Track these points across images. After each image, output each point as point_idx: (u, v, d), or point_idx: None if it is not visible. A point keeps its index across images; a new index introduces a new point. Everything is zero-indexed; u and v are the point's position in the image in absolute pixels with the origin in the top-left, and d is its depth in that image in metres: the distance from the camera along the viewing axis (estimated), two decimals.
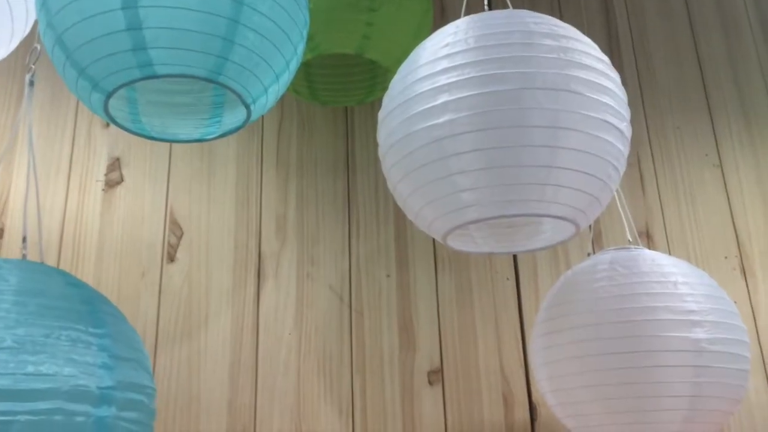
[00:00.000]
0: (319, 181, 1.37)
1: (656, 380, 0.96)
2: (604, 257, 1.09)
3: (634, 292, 1.01)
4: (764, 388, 1.38)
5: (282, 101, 1.41)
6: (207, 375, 1.19)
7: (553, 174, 0.79)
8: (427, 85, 0.82)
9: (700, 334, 0.97)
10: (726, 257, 1.48)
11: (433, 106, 0.80)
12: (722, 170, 1.56)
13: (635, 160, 1.53)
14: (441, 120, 0.80)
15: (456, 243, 0.99)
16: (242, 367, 1.20)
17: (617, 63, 1.59)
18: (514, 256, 1.40)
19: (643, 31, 1.65)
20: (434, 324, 1.31)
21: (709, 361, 0.97)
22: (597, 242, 1.44)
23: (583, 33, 0.88)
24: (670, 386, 0.96)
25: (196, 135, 0.99)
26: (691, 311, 0.99)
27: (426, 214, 0.88)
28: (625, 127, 0.85)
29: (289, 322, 1.26)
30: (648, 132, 1.56)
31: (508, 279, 1.38)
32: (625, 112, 0.86)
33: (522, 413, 1.28)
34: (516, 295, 1.37)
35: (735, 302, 1.43)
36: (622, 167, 0.87)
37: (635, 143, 1.53)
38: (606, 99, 0.81)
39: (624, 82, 1.58)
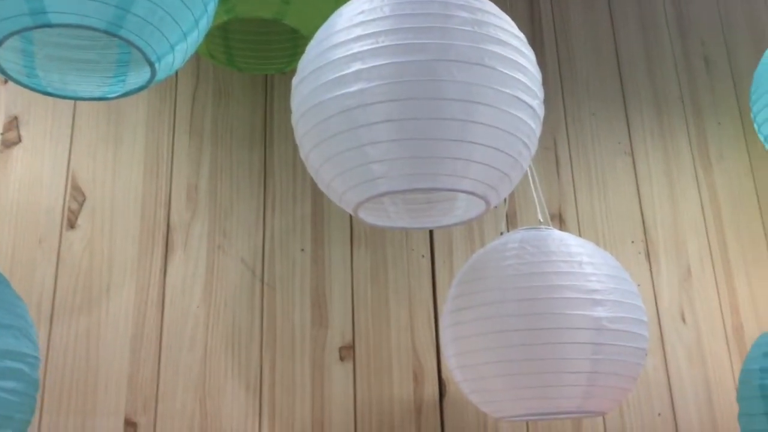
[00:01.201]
0: (234, 151, 1.33)
1: (557, 357, 0.98)
2: (514, 236, 1.11)
3: (540, 271, 1.03)
4: (662, 366, 1.45)
5: (198, 66, 1.35)
6: (107, 348, 1.14)
7: (464, 148, 0.79)
8: (340, 53, 0.80)
9: (601, 312, 1.00)
10: (632, 241, 1.53)
11: (345, 75, 0.79)
12: (633, 158, 1.61)
13: (552, 144, 1.56)
14: (352, 89, 0.78)
15: (369, 217, 0.98)
16: (145, 341, 1.16)
17: (539, 48, 1.62)
18: (431, 234, 1.40)
19: (566, 19, 1.68)
20: (347, 300, 1.30)
21: (609, 339, 1.00)
22: (511, 222, 1.47)
23: None
24: (571, 363, 0.99)
25: (97, 93, 0.93)
26: (594, 290, 1.02)
27: (337, 186, 0.86)
28: (538, 105, 0.85)
29: (197, 296, 1.22)
30: (565, 117, 1.59)
31: (423, 256, 1.38)
32: (539, 91, 0.86)
33: (431, 389, 1.29)
34: (431, 273, 1.37)
35: (639, 285, 1.49)
36: (533, 145, 0.87)
37: (552, 128, 1.56)
38: (519, 76, 0.82)
39: (544, 68, 1.62)
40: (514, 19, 0.89)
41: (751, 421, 1.01)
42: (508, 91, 0.80)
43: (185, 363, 1.17)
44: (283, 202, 1.33)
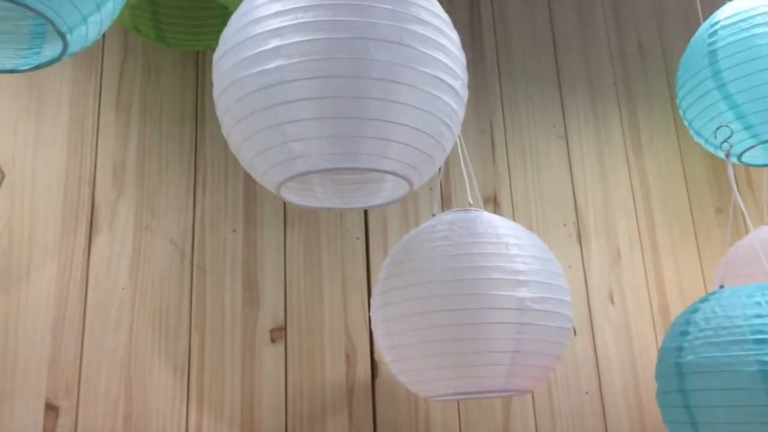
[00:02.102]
0: (164, 129, 1.30)
1: (481, 337, 1.00)
2: (444, 218, 1.12)
3: (467, 252, 1.04)
4: (591, 346, 1.48)
5: (125, 40, 1.31)
6: (26, 331, 1.10)
7: (384, 128, 0.78)
8: (259, 28, 0.78)
9: (525, 293, 1.02)
10: (564, 224, 1.56)
11: (263, 51, 0.77)
12: (567, 142, 1.63)
13: (488, 127, 1.57)
14: (271, 66, 0.76)
15: (294, 196, 0.97)
16: (67, 323, 1.13)
17: (477, 33, 1.62)
18: (365, 216, 1.40)
19: (504, 4, 1.69)
20: (280, 281, 1.29)
21: (532, 319, 1.02)
22: (447, 204, 1.48)
23: (445, 0, 0.87)
24: (495, 342, 1.00)
25: (8, 65, 0.89)
26: (519, 271, 1.03)
27: (258, 165, 0.85)
28: (460, 85, 0.85)
29: (123, 277, 1.19)
30: (502, 101, 1.60)
31: (357, 238, 1.38)
32: (461, 72, 0.86)
33: (364, 371, 1.30)
34: (365, 255, 1.37)
35: (570, 267, 1.52)
36: (456, 126, 0.88)
37: (489, 111, 1.58)
38: (440, 56, 0.81)
39: (482, 52, 1.63)
40: (453, 3, 0.89)
41: (667, 398, 1.05)
42: (428, 71, 0.80)
43: (109, 345, 1.15)
44: (214, 181, 1.30)
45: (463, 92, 0.87)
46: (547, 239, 1.53)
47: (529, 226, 1.52)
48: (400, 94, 0.78)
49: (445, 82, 0.82)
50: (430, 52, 0.80)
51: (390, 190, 1.00)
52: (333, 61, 0.76)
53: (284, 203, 1.34)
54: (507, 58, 1.64)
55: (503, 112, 1.60)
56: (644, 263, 1.59)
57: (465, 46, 1.61)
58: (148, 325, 1.18)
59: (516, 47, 1.66)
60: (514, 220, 1.52)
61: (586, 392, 1.45)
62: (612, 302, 1.53)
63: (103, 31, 0.87)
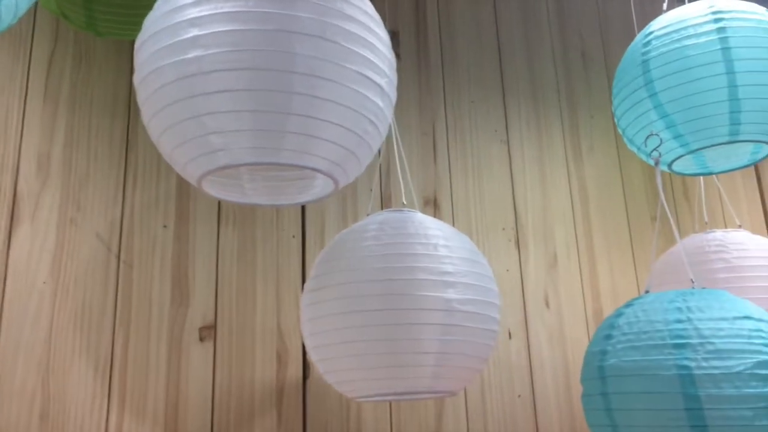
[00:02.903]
0: (93, 120, 1.26)
1: (407, 337, 0.99)
2: (376, 218, 1.11)
3: (396, 252, 1.03)
4: (525, 349, 1.50)
5: (57, 28, 1.27)
6: None
7: (307, 123, 0.77)
8: (178, 17, 0.76)
9: (452, 294, 1.02)
10: (503, 228, 1.57)
11: (181, 40, 0.75)
12: (509, 146, 1.65)
13: (430, 129, 1.58)
14: (189, 56, 0.74)
15: (221, 191, 0.95)
16: None
17: (422, 35, 1.62)
18: (302, 215, 1.39)
19: (450, 7, 1.70)
20: (211, 279, 1.26)
21: (458, 321, 1.02)
22: (386, 205, 1.47)
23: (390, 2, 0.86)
24: (420, 343, 1.00)
25: None
26: (447, 272, 1.03)
27: (177, 157, 0.83)
28: (386, 83, 0.85)
29: (45, 271, 1.15)
30: (445, 104, 1.61)
31: (294, 237, 1.36)
32: (388, 70, 0.86)
33: (295, 371, 1.28)
34: (301, 254, 1.36)
35: (508, 270, 1.53)
36: (382, 124, 0.87)
37: (432, 114, 1.58)
38: (365, 53, 0.81)
39: (427, 55, 1.63)
40: (399, 6, 0.88)
41: (590, 401, 1.06)
42: (353, 67, 0.79)
43: (27, 341, 1.10)
44: (145, 175, 1.27)
45: (391, 91, 0.87)
46: (486, 243, 1.54)
47: (468, 230, 1.53)
48: (323, 90, 0.77)
49: (371, 80, 0.81)
50: (355, 49, 0.79)
51: (320, 187, 0.99)
52: (253, 53, 0.74)
53: (219, 200, 1.32)
54: (451, 62, 1.65)
55: (446, 115, 1.60)
56: (580, 268, 1.61)
57: (410, 48, 1.62)
58: (70, 322, 1.14)
59: (461, 51, 1.67)
60: (453, 223, 1.52)
61: (519, 395, 1.46)
62: (547, 306, 1.55)
63: (18, 15, 0.84)
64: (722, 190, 1.80)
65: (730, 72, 1.15)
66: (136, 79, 0.83)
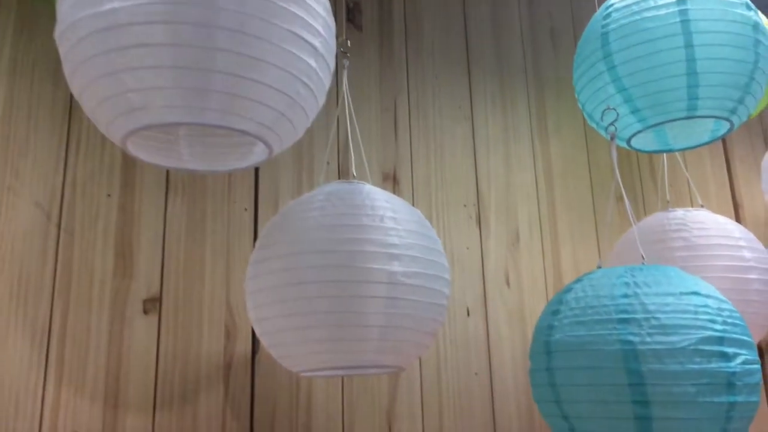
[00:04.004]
0: (35, 86, 1.22)
1: (349, 310, 0.97)
2: (324, 189, 1.08)
3: (341, 224, 1.01)
4: (483, 327, 1.48)
5: None
6: None
7: (232, 82, 0.74)
8: None
9: (396, 266, 0.99)
10: (465, 205, 1.55)
11: None
12: (473, 123, 1.62)
13: (392, 104, 1.54)
14: (105, 8, 0.71)
15: (155, 155, 0.92)
16: None
17: (386, 7, 1.58)
18: (256, 187, 1.35)
19: None
20: (157, 251, 1.23)
21: (403, 294, 0.99)
22: (344, 179, 1.44)
23: None
24: (363, 316, 0.97)
25: None
26: (392, 245, 1.00)
27: (99, 116, 0.79)
28: (321, 44, 0.81)
29: None
30: (407, 78, 1.58)
31: (246, 209, 1.33)
32: (323, 30, 0.82)
33: (244, 346, 1.25)
34: (253, 227, 1.33)
35: (468, 248, 1.51)
36: (317, 87, 0.84)
37: (394, 88, 1.54)
38: (297, 10, 0.77)
39: (390, 26, 1.59)
40: None
41: (537, 376, 1.04)
42: (282, 24, 0.75)
43: None
44: (89, 142, 1.23)
45: (327, 52, 0.83)
46: (447, 220, 1.51)
47: (428, 206, 1.51)
48: (250, 47, 0.74)
49: (303, 39, 0.78)
50: (285, 5, 0.76)
51: (260, 154, 0.95)
52: (174, 6, 0.71)
53: (167, 170, 1.28)
54: (415, 35, 1.61)
55: (408, 90, 1.57)
56: (543, 248, 1.59)
57: (373, 20, 1.58)
58: (5, 292, 1.11)
59: (426, 25, 1.63)
60: (413, 199, 1.49)
61: (476, 373, 1.44)
62: (508, 284, 1.53)
63: None
64: (687, 170, 1.78)
65: (689, 45, 1.13)
66: (57, 33, 0.79)
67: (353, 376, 1.32)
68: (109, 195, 1.22)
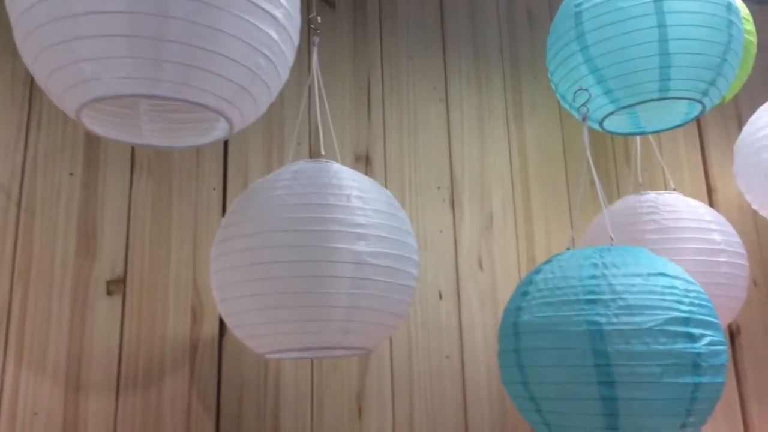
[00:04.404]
0: None
1: (314, 290, 0.95)
2: (291, 168, 1.06)
3: (307, 203, 0.99)
4: (455, 311, 1.47)
5: None
6: None
7: (186, 52, 0.71)
8: None
9: (362, 246, 0.98)
10: (439, 187, 1.53)
11: None
12: (447, 105, 1.60)
13: (365, 84, 1.52)
14: None
15: (113, 130, 0.89)
16: None
17: None
18: (224, 166, 1.33)
19: None
20: (122, 231, 1.20)
21: (369, 274, 0.98)
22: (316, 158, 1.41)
23: None
24: (328, 297, 0.96)
25: None
26: (359, 224, 0.99)
27: (52, 87, 0.76)
28: (283, 15, 0.79)
29: None
30: (382, 58, 1.55)
31: (214, 189, 1.30)
32: (285, 1, 0.80)
33: (211, 328, 1.24)
34: (221, 207, 1.30)
35: (441, 231, 1.50)
36: (279, 60, 0.81)
37: (368, 67, 1.52)
38: None
39: (364, 5, 1.57)
40: None
41: (505, 357, 1.03)
42: None
43: None
44: (51, 118, 1.19)
45: (289, 24, 0.81)
46: (420, 202, 1.50)
47: (401, 188, 1.49)
48: (205, 15, 0.71)
49: (263, 9, 0.76)
50: None
51: (223, 130, 0.93)
52: None
53: (133, 147, 1.25)
54: (390, 14, 1.59)
55: (382, 69, 1.55)
56: (516, 231, 1.58)
57: None
58: None
59: (401, 4, 1.61)
60: (385, 180, 1.48)
61: (447, 356, 1.43)
62: (481, 268, 1.52)
63: None
64: (662, 153, 1.79)
65: (662, 25, 1.11)
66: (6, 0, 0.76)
67: (322, 359, 1.31)
68: (71, 173, 1.19)
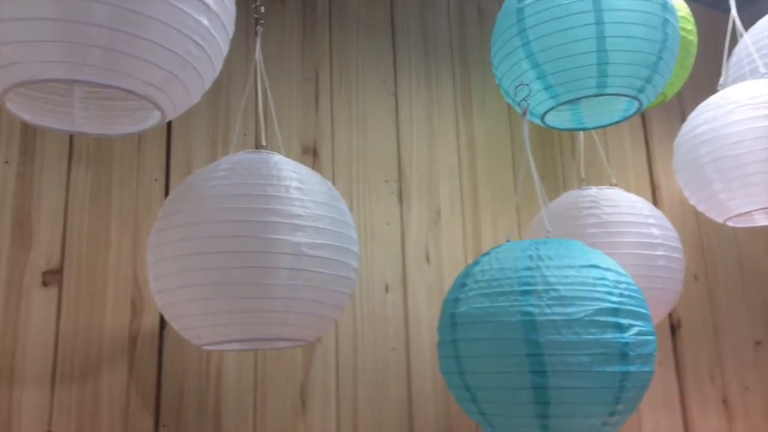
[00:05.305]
0: None
1: (252, 281, 0.95)
2: (230, 158, 1.05)
3: (245, 193, 0.98)
4: (402, 303, 1.48)
5: None
6: None
7: (113, 37, 0.70)
8: None
9: (301, 238, 0.97)
10: (386, 181, 1.54)
11: None
12: (396, 99, 1.61)
13: (314, 76, 1.52)
14: None
15: (45, 119, 0.87)
16: None
17: None
18: (167, 157, 1.31)
19: None
20: (59, 221, 1.18)
21: (307, 265, 0.98)
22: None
23: None
24: (266, 288, 0.95)
25: None
26: (297, 215, 0.98)
27: None
28: (214, 1, 0.78)
29: None
30: (331, 50, 1.55)
31: (156, 180, 1.29)
32: None
33: (151, 321, 1.22)
34: (163, 198, 1.29)
35: (389, 224, 1.51)
36: (211, 48, 0.81)
37: (316, 59, 1.52)
38: None
39: None
40: None
41: (443, 348, 1.05)
42: None
43: None
44: None
45: (222, 11, 0.80)
46: (368, 195, 1.50)
47: (349, 181, 1.49)
48: (135, 1, 0.70)
49: None
50: None
51: (157, 119, 0.92)
52: None
53: (71, 136, 1.23)
54: (340, 6, 1.59)
55: (331, 62, 1.54)
56: (463, 225, 1.60)
57: None
58: None
59: None
60: (333, 173, 1.48)
61: (393, 348, 1.44)
62: (428, 261, 1.53)
63: None
64: (607, 150, 1.82)
65: (600, 22, 1.13)
66: None
67: (266, 351, 1.30)
68: (6, 161, 1.16)
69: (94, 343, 1.16)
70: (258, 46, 1.17)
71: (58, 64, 0.70)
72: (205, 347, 1.04)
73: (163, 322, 1.23)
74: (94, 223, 1.21)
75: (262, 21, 1.18)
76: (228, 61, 1.39)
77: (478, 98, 1.72)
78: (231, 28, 0.84)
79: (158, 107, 0.80)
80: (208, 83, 0.84)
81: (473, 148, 1.67)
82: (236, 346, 1.11)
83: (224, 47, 0.84)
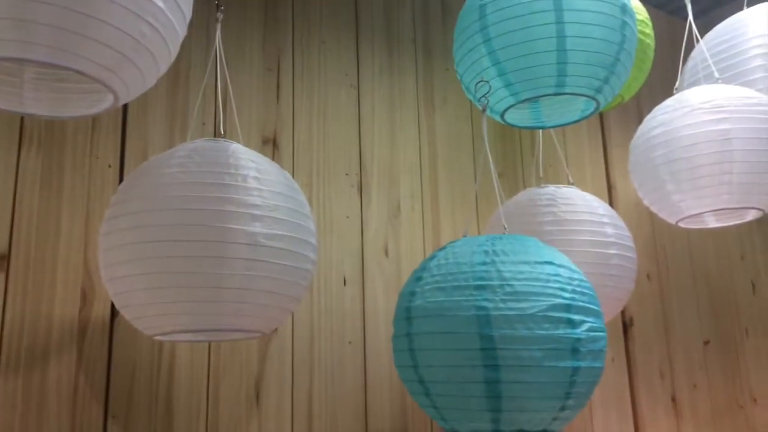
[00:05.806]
0: None
1: (205, 271, 0.93)
2: (187, 146, 1.03)
3: (201, 181, 0.97)
4: (360, 297, 1.47)
5: None
6: None
7: (60, 15, 0.68)
8: None
9: (257, 228, 0.96)
10: (347, 174, 1.53)
11: None
12: (358, 92, 1.60)
13: (275, 66, 1.50)
14: None
15: None
16: None
17: None
18: (122, 142, 1.28)
19: None
20: (6, 206, 1.14)
21: (263, 256, 0.97)
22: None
23: None
24: (220, 278, 0.94)
25: None
26: (254, 205, 0.97)
27: None
28: None
29: None
30: (293, 41, 1.53)
31: (110, 166, 1.26)
32: None
33: (102, 310, 1.19)
34: (117, 184, 1.26)
35: (348, 217, 1.50)
36: (166, 30, 0.79)
37: (278, 49, 1.50)
38: None
39: None
40: None
41: (397, 342, 1.05)
42: None
43: None
44: None
45: None
46: (327, 187, 1.49)
47: (309, 173, 1.48)
48: None
49: None
50: None
51: (110, 102, 0.90)
52: None
53: (21, 119, 1.19)
54: None
55: (293, 53, 1.53)
56: (423, 220, 1.61)
57: None
58: None
59: None
60: (293, 164, 1.46)
61: (350, 342, 1.44)
62: (386, 255, 1.53)
63: None
64: (566, 149, 1.85)
65: (560, 22, 1.15)
66: None
67: (221, 343, 1.29)
68: None
69: (42, 332, 1.13)
70: (218, 32, 1.15)
71: (6, 43, 0.68)
72: (157, 337, 1.02)
73: (114, 312, 1.20)
74: (44, 208, 1.17)
75: (222, 7, 1.16)
76: (188, 47, 1.37)
77: (440, 94, 1.72)
78: (188, 12, 0.83)
79: (111, 90, 0.78)
80: (163, 67, 0.82)
81: (434, 143, 1.68)
82: (189, 336, 1.10)
83: (180, 30, 0.82)
